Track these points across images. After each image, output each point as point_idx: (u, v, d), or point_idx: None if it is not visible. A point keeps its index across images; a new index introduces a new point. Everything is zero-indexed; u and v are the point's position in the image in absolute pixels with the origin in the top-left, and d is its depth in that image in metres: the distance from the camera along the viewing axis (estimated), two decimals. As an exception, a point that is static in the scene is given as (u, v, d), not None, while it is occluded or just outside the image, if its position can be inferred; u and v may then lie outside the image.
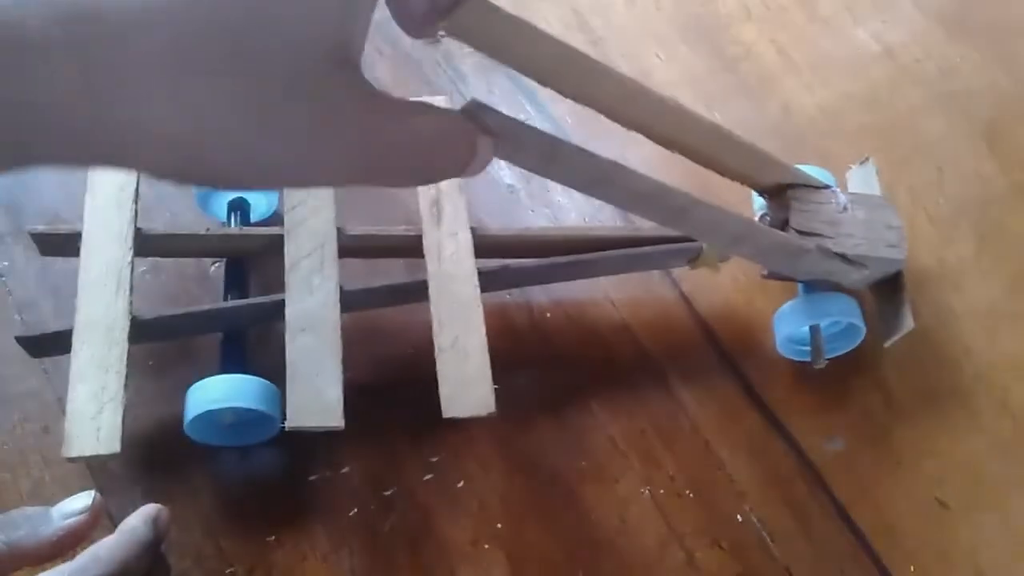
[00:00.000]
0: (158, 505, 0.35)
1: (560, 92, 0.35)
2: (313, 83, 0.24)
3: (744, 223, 0.38)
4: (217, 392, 0.38)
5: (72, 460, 0.36)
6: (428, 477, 0.41)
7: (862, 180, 0.44)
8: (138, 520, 0.34)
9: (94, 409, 0.37)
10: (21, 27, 0.22)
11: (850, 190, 0.43)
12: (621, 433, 0.42)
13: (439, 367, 0.39)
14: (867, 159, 0.44)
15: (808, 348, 0.42)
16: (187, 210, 0.46)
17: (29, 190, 0.47)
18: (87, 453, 0.36)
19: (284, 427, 0.37)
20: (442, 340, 0.39)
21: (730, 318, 0.45)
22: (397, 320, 0.43)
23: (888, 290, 0.41)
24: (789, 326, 0.42)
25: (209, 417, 0.38)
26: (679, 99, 0.51)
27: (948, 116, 0.50)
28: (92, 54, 0.22)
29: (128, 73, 0.23)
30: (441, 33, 0.31)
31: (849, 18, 0.54)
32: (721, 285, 0.45)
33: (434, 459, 0.41)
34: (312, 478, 0.41)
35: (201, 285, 0.45)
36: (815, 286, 0.42)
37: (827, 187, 0.40)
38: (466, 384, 0.38)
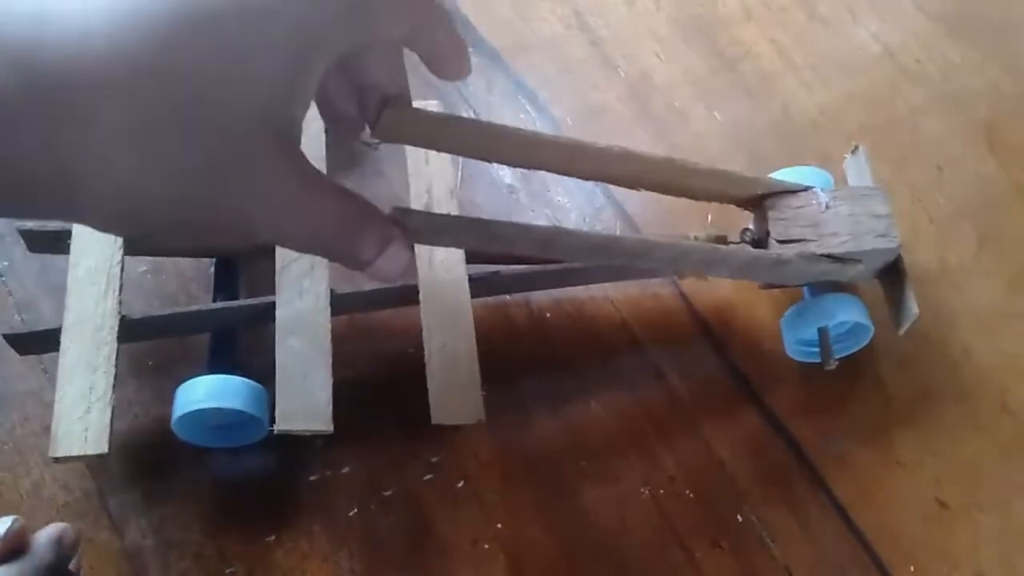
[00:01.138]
0: (64, 525, 0.35)
1: (503, 163, 0.37)
2: (255, 154, 0.26)
3: (708, 250, 0.38)
4: (202, 392, 0.37)
5: (59, 460, 0.36)
6: (428, 477, 0.41)
7: (856, 171, 0.43)
8: (40, 542, 0.34)
9: (82, 409, 0.36)
10: None
11: (849, 183, 0.43)
12: (621, 433, 0.42)
13: (428, 373, 0.39)
14: (856, 147, 0.43)
15: (817, 350, 0.42)
16: None
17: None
18: (74, 453, 0.36)
19: (272, 430, 0.37)
20: (431, 346, 0.39)
21: (730, 318, 0.45)
22: (398, 319, 0.43)
23: (892, 279, 0.41)
24: (796, 330, 0.42)
25: (195, 417, 0.38)
26: (678, 99, 0.51)
27: (948, 116, 0.50)
28: (54, 122, 0.24)
29: (87, 139, 0.24)
30: (373, 141, 0.33)
31: (849, 18, 0.54)
32: (720, 285, 0.45)
33: (434, 459, 0.41)
34: (312, 478, 0.41)
35: (200, 285, 0.45)
36: (818, 287, 0.42)
37: (806, 189, 0.40)
38: (455, 391, 0.38)
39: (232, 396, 0.38)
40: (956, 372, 0.43)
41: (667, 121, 0.51)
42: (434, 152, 0.43)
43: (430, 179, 0.43)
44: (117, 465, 0.41)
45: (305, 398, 0.37)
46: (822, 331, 0.41)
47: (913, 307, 0.40)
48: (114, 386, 0.37)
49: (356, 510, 0.40)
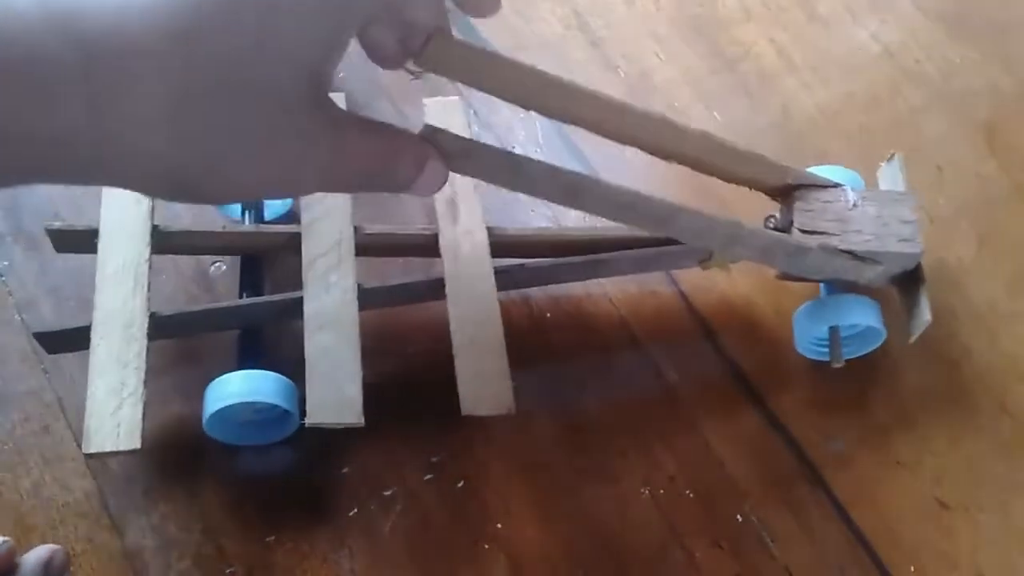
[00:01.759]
0: (55, 547, 0.35)
1: (542, 113, 0.37)
2: (292, 114, 0.27)
3: (732, 225, 0.38)
4: (238, 387, 0.38)
5: (91, 456, 0.36)
6: (428, 477, 0.41)
7: (890, 177, 0.43)
8: (29, 564, 0.34)
9: (113, 405, 0.37)
10: (41, 53, 0.23)
11: (880, 188, 0.43)
12: (621, 433, 0.42)
13: (457, 365, 0.39)
14: (892, 156, 0.44)
15: (826, 348, 0.42)
16: (202, 208, 0.46)
17: (29, 190, 0.47)
18: (107, 449, 0.36)
19: (304, 424, 0.37)
20: (460, 338, 0.39)
21: (730, 317, 0.45)
22: (397, 320, 0.43)
23: (908, 285, 0.41)
24: (807, 326, 0.42)
25: (228, 413, 0.38)
26: (678, 99, 0.51)
27: (948, 116, 0.50)
28: (100, 87, 0.24)
29: (131, 107, 0.25)
30: (417, 69, 0.33)
31: (849, 18, 0.54)
32: (720, 284, 0.45)
33: (434, 459, 0.41)
34: (312, 478, 0.41)
35: (200, 284, 0.45)
36: (835, 286, 0.42)
37: (836, 185, 0.40)
38: (485, 382, 0.38)
39: (266, 390, 0.38)
40: (956, 372, 0.43)
41: (667, 121, 0.51)
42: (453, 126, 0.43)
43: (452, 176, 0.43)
44: (117, 465, 0.41)
45: (335, 391, 0.37)
46: (833, 330, 0.41)
47: (926, 315, 0.40)
48: (145, 382, 0.37)
49: (356, 510, 0.40)
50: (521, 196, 0.47)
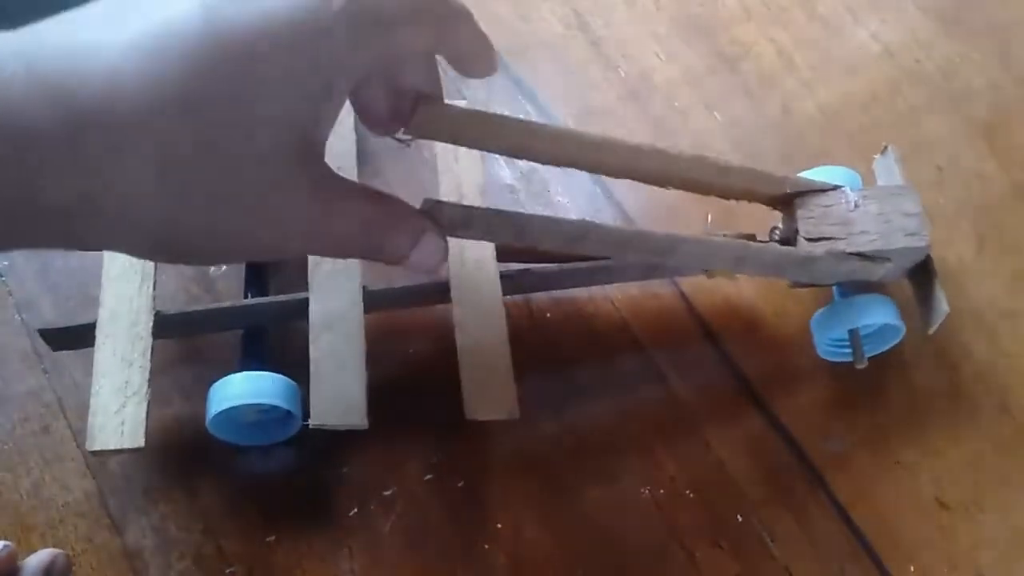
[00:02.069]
0: (56, 551, 0.35)
1: (535, 161, 0.37)
2: (280, 177, 0.27)
3: (738, 247, 0.38)
4: (242, 388, 0.38)
5: (95, 454, 0.36)
6: (428, 477, 0.41)
7: (886, 170, 0.43)
8: (31, 568, 0.34)
9: (118, 403, 0.37)
10: (32, 126, 0.24)
11: (878, 183, 0.43)
12: (621, 433, 0.42)
13: (462, 369, 0.39)
14: (886, 147, 0.44)
15: (847, 349, 0.42)
16: None
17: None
18: (111, 447, 0.36)
19: (307, 425, 0.37)
20: (464, 342, 0.39)
21: (730, 318, 0.45)
22: (398, 321, 0.43)
23: (921, 278, 0.41)
24: (826, 331, 0.42)
25: (232, 414, 0.38)
26: (678, 99, 0.51)
27: (948, 116, 0.50)
28: (93, 160, 0.24)
29: (122, 172, 0.25)
30: (406, 137, 0.34)
31: (849, 18, 0.54)
32: (721, 285, 0.45)
33: (434, 459, 0.41)
34: (312, 478, 0.41)
35: (200, 284, 0.45)
36: (848, 287, 0.42)
37: (835, 188, 0.40)
38: (489, 387, 0.39)
39: (269, 392, 0.38)
40: (956, 372, 0.43)
41: (667, 121, 0.51)
42: (463, 151, 0.43)
43: (459, 177, 0.43)
44: (117, 465, 0.41)
45: (340, 393, 0.38)
46: (853, 331, 0.41)
47: (944, 306, 0.40)
48: (149, 381, 0.37)
49: (356, 510, 0.40)
50: (522, 196, 0.48)
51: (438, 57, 0.32)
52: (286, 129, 0.27)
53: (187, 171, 0.25)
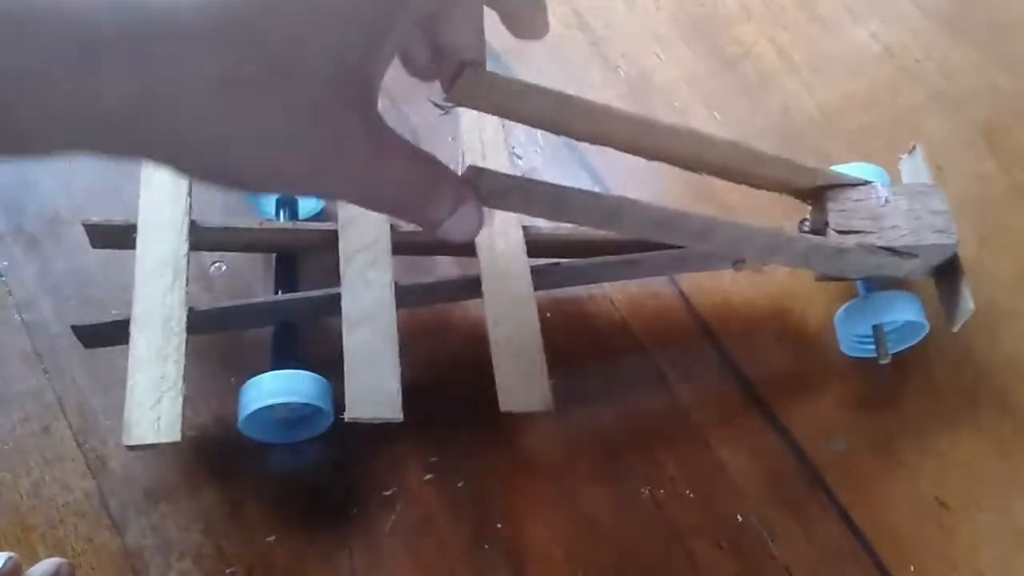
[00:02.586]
0: (60, 560, 0.35)
1: (572, 137, 0.36)
2: (334, 111, 0.27)
3: (771, 234, 0.38)
4: (269, 388, 0.38)
5: (132, 448, 0.36)
6: (428, 477, 0.41)
7: (913, 169, 0.43)
8: None
9: (153, 398, 0.37)
10: (97, 30, 0.24)
11: (903, 181, 0.43)
12: (621, 433, 0.42)
13: (495, 362, 0.39)
14: (914, 147, 0.44)
15: (871, 347, 0.42)
16: (239, 204, 0.46)
17: (29, 189, 0.47)
18: (147, 441, 0.36)
19: (343, 418, 0.37)
20: (497, 335, 0.39)
21: (730, 317, 0.45)
22: (399, 321, 0.43)
23: (947, 276, 0.41)
24: (851, 327, 0.42)
25: (265, 413, 0.38)
26: (678, 99, 0.51)
27: (948, 116, 0.50)
28: (155, 68, 0.24)
29: (180, 87, 0.25)
30: (447, 104, 0.33)
31: (849, 18, 0.54)
32: (720, 284, 0.45)
33: (434, 459, 0.41)
34: (312, 478, 0.41)
35: (200, 284, 0.45)
36: (873, 283, 0.42)
37: (866, 183, 0.40)
38: (523, 380, 0.39)
39: (301, 390, 0.38)
40: (956, 372, 0.43)
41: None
42: (489, 126, 0.43)
43: (483, 152, 0.43)
44: (117, 465, 0.41)
45: (374, 387, 0.38)
46: (877, 327, 0.41)
47: (969, 304, 0.40)
48: (184, 376, 0.37)
49: (356, 510, 0.40)
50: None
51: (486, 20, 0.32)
52: (342, 62, 0.27)
53: (245, 89, 0.25)
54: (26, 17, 0.23)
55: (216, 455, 0.41)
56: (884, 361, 0.41)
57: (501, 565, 0.39)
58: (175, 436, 0.36)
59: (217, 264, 0.45)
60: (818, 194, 0.41)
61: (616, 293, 0.45)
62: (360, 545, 0.39)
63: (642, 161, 0.38)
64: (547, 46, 0.53)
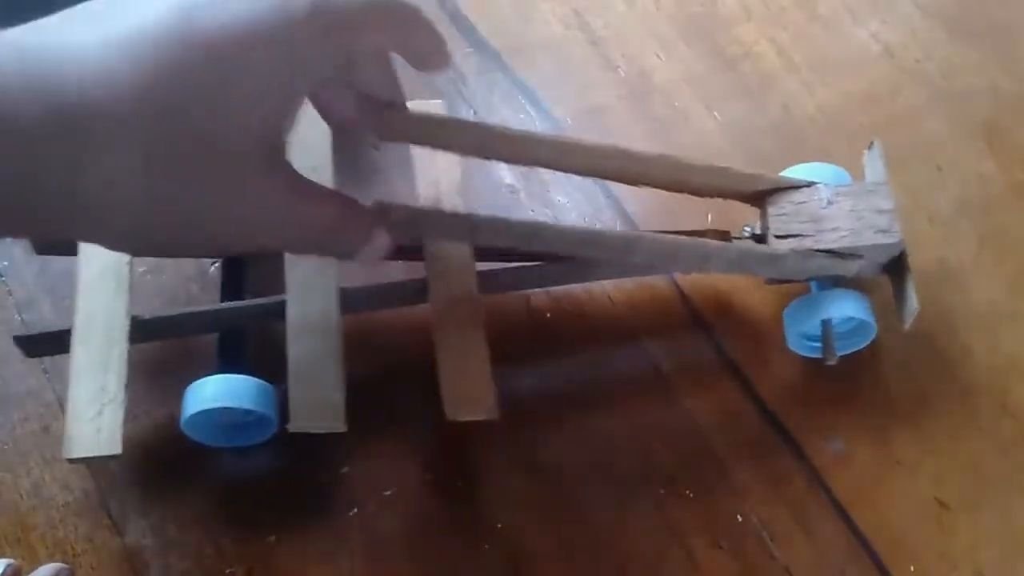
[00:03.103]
0: (60, 566, 0.35)
1: (502, 161, 0.39)
2: (256, 178, 0.29)
3: (697, 245, 0.39)
4: (213, 391, 0.38)
5: (72, 461, 0.36)
6: (428, 477, 0.41)
7: (873, 166, 0.43)
8: None
9: (94, 410, 0.36)
10: (28, 118, 0.25)
11: (866, 178, 0.43)
12: (621, 432, 0.42)
13: (440, 370, 0.38)
14: (872, 144, 0.44)
15: (819, 344, 0.42)
16: None
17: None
18: (88, 454, 0.36)
19: (287, 428, 0.37)
20: (442, 342, 0.39)
21: (729, 317, 0.45)
22: (397, 318, 0.43)
23: (896, 274, 0.41)
24: (797, 323, 0.42)
25: (205, 416, 0.38)
26: (678, 99, 0.51)
27: (948, 116, 0.50)
28: (72, 150, 0.26)
29: (100, 166, 0.26)
30: (376, 142, 0.35)
31: (849, 18, 0.54)
32: (720, 284, 0.45)
33: (434, 459, 0.41)
34: (312, 478, 0.41)
35: (200, 284, 0.45)
36: (826, 282, 0.42)
37: (808, 185, 0.40)
38: (468, 387, 0.38)
39: (242, 395, 0.38)
40: (956, 372, 0.43)
41: (667, 121, 0.51)
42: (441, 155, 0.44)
43: (437, 177, 0.43)
44: (117, 465, 0.41)
45: (318, 396, 0.37)
46: (825, 325, 0.41)
47: (914, 303, 0.40)
48: (126, 387, 0.37)
49: (356, 510, 0.40)
50: (522, 196, 0.48)
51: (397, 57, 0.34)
52: (257, 129, 0.28)
53: (168, 166, 0.27)
54: None
55: (216, 456, 0.41)
56: (831, 362, 0.41)
57: (501, 565, 0.39)
58: (116, 449, 0.36)
59: (217, 265, 0.45)
60: (761, 199, 0.41)
61: (616, 292, 0.45)
62: (360, 545, 0.39)
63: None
64: (547, 46, 0.53)
